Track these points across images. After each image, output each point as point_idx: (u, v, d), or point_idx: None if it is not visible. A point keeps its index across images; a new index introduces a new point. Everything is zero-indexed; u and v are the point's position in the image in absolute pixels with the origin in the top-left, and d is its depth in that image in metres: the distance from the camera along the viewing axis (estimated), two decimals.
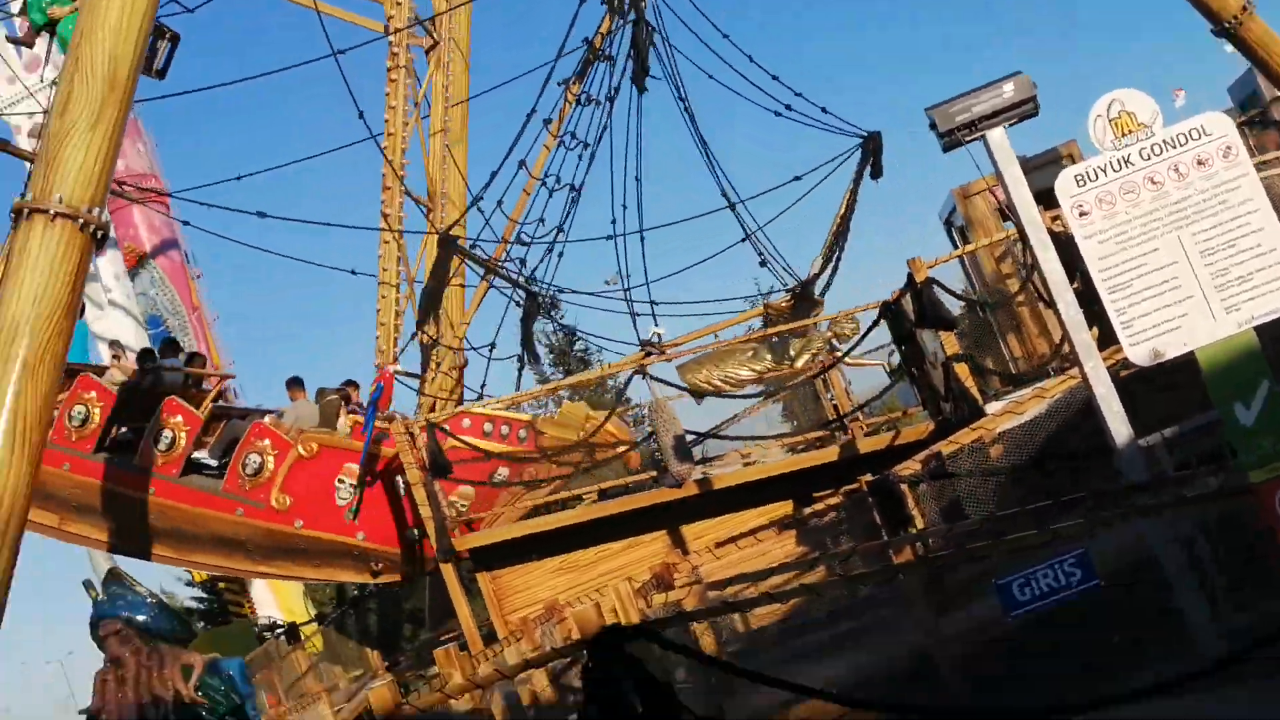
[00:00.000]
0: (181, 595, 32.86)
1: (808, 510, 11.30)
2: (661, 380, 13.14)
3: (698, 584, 9.65)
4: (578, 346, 30.04)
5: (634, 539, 13.77)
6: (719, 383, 13.42)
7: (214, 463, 15.48)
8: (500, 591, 13.53)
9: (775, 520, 11.76)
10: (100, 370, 16.40)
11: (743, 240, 17.25)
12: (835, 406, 14.15)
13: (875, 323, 12.32)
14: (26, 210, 4.98)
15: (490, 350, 17.15)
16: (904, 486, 9.33)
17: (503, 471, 15.10)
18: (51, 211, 4.92)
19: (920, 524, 9.23)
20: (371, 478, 14.73)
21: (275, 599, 30.00)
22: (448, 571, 13.54)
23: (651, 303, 17.07)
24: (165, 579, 33.83)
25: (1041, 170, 11.76)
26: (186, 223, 18.77)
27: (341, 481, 14.69)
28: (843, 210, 16.60)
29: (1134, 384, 8.46)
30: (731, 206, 17.16)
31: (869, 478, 10.13)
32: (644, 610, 7.38)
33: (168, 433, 14.67)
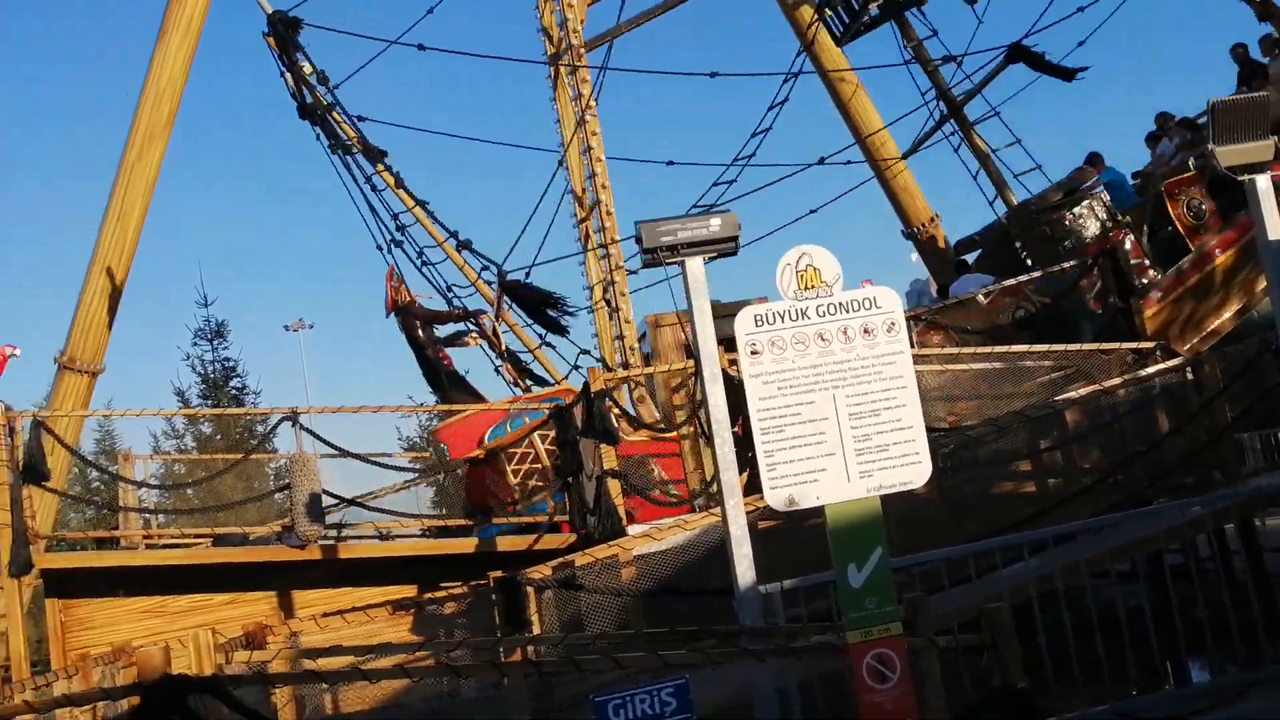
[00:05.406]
0: None
1: (428, 596, 10.88)
2: (311, 432, 12.43)
3: (291, 649, 8.97)
4: (233, 383, 28.37)
5: (239, 594, 12.81)
6: None
7: None
8: (69, 623, 12.08)
9: (394, 601, 11.25)
10: None
11: None
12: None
13: (544, 419, 12.27)
14: None
15: None
16: (529, 589, 9.14)
17: None
18: None
19: (538, 629, 9.05)
20: None
21: None
22: (10, 590, 11.98)
23: None
24: None
25: (731, 318, 12.31)
26: None
27: None
28: None
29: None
30: None
31: (499, 574, 9.88)
32: (221, 666, 6.69)
33: None
